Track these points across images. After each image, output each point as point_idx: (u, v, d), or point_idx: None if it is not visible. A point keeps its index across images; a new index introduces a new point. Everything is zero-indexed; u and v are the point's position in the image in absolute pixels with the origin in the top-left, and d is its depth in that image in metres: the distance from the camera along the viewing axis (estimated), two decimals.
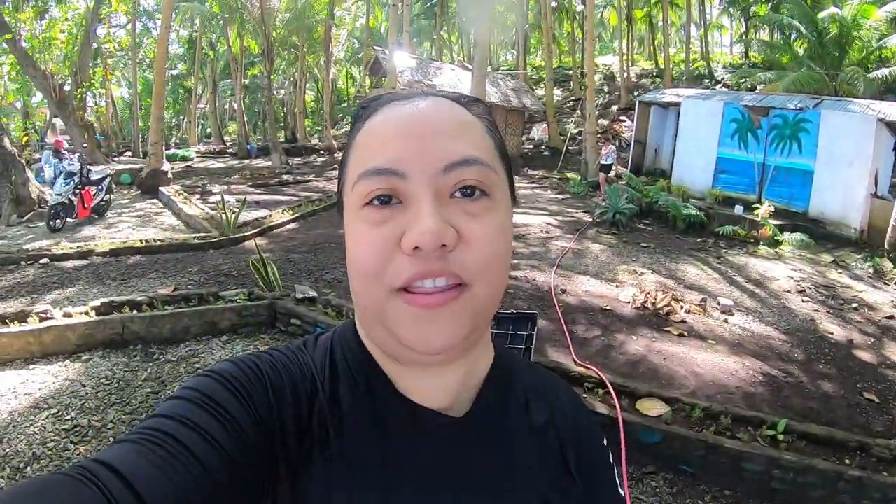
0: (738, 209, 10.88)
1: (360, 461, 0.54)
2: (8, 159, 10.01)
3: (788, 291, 7.10)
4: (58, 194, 9.04)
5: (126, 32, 24.16)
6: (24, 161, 10.78)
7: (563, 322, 5.37)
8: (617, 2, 28.51)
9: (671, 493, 3.27)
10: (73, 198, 9.21)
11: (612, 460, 0.69)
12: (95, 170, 10.68)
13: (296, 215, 10.24)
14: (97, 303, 4.85)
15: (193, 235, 8.49)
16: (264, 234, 8.86)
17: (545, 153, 20.86)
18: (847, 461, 3.27)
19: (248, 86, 29.43)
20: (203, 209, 10.46)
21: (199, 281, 6.33)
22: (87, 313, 4.72)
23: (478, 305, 0.51)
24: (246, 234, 8.45)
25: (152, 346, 4.71)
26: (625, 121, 21.52)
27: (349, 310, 4.89)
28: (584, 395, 3.75)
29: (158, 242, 7.77)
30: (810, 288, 7.28)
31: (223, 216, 8.56)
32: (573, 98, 25.32)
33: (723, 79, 23.72)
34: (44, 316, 4.57)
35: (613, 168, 14.33)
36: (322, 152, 23.79)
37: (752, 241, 9.77)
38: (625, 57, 25.43)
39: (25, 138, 17.48)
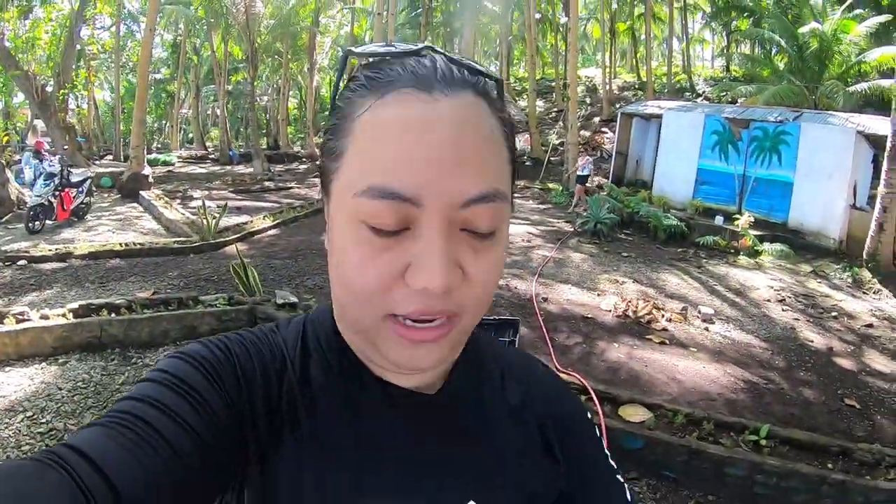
0: (719, 220, 11.00)
1: (332, 442, 0.53)
2: None
3: (768, 300, 7.18)
4: (37, 196, 8.90)
5: (110, 35, 23.92)
6: (3, 162, 10.63)
7: (544, 329, 5.38)
8: (600, 15, 28.77)
9: (654, 499, 3.27)
10: (52, 200, 9.09)
11: (599, 434, 0.69)
12: (76, 172, 10.56)
13: (277, 221, 10.18)
14: (75, 305, 4.77)
15: (174, 239, 8.39)
16: (245, 239, 8.78)
17: (527, 164, 20.90)
18: (830, 465, 3.30)
19: (231, 92, 29.23)
20: (184, 214, 10.35)
21: (178, 285, 6.25)
22: (64, 315, 4.63)
23: (465, 329, 0.52)
24: (227, 238, 8.36)
25: (130, 349, 4.63)
26: (606, 132, 21.67)
27: None
28: None
29: (138, 246, 7.66)
30: (790, 297, 7.37)
31: (204, 221, 8.47)
32: (556, 109, 25.42)
33: (704, 92, 24.00)
34: (20, 317, 4.48)
35: (591, 179, 14.38)
36: (304, 160, 23.66)
37: (732, 251, 9.88)
38: (607, 69, 25.60)
39: (6, 139, 17.16)
